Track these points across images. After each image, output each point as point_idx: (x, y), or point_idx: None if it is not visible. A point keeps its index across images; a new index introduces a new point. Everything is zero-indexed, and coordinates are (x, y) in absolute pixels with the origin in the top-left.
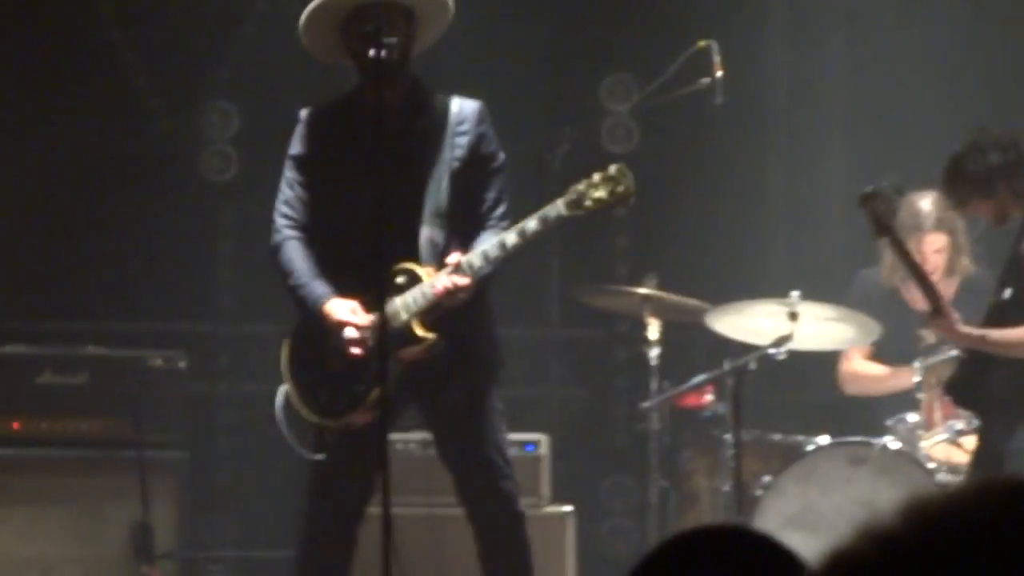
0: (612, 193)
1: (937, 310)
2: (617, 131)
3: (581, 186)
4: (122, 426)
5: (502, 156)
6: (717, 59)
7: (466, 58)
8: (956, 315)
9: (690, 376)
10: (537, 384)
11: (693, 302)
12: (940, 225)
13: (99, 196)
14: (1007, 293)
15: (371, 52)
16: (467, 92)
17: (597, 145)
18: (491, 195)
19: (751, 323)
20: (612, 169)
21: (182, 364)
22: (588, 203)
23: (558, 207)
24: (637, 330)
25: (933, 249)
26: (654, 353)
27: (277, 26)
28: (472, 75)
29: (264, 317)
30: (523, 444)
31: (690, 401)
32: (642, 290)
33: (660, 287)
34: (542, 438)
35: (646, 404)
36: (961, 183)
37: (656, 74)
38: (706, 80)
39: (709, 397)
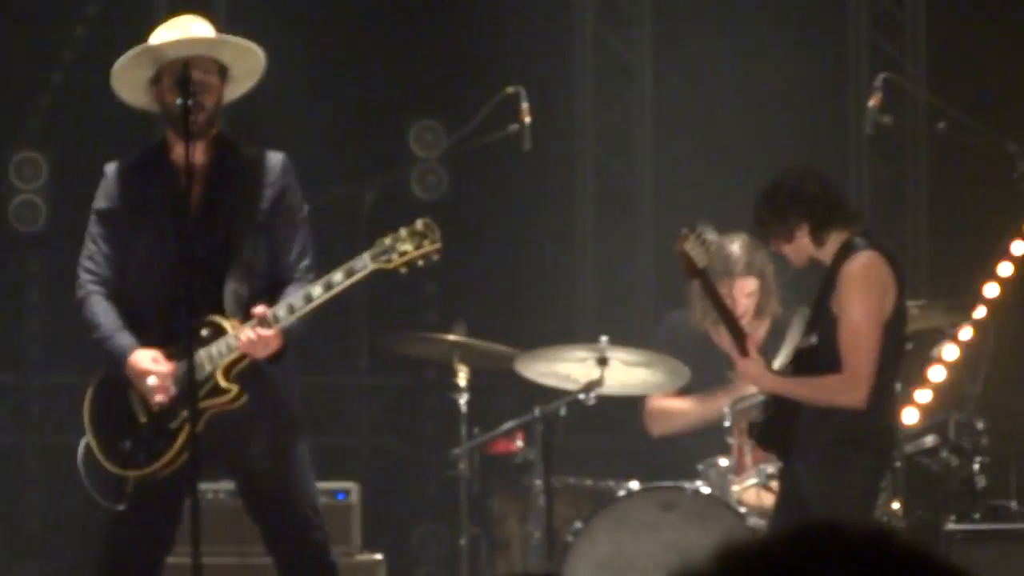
0: (419, 247)
1: (744, 353)
2: (427, 178)
3: (388, 240)
4: None
5: (306, 208)
6: (525, 105)
7: (275, 104)
8: (761, 360)
9: (500, 422)
10: (347, 432)
11: (502, 348)
12: (750, 269)
13: None
14: (813, 339)
15: (179, 101)
16: (276, 139)
17: (407, 192)
18: (296, 248)
19: (560, 369)
20: (419, 224)
21: None
22: (395, 256)
23: (364, 260)
24: (446, 377)
25: (744, 293)
26: (463, 399)
27: (86, 75)
28: (280, 122)
29: (73, 368)
30: (333, 493)
31: (500, 447)
32: (451, 336)
33: (469, 333)
34: (352, 486)
35: (456, 451)
36: (767, 220)
37: (465, 120)
38: (514, 126)
39: (519, 443)
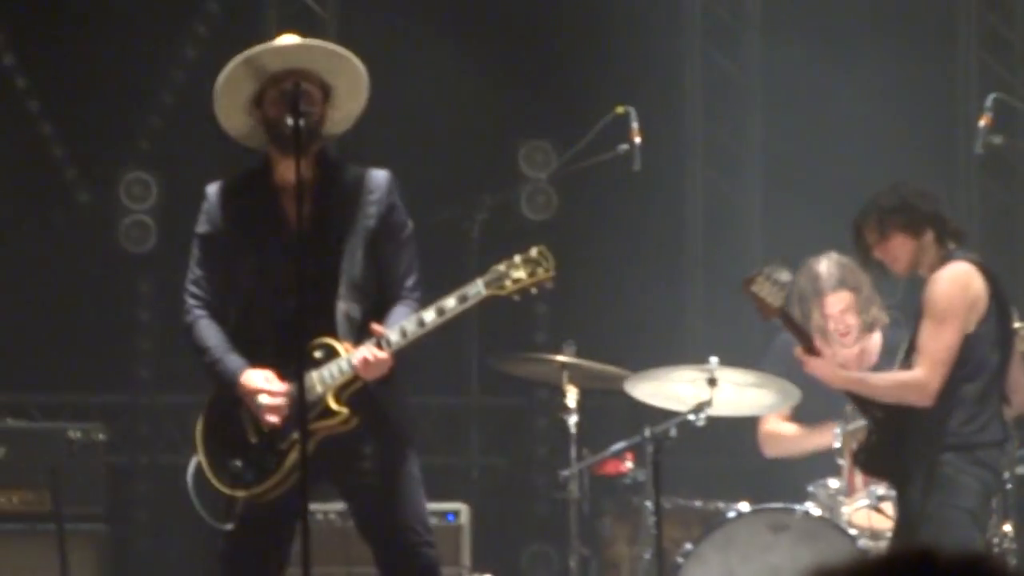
0: (532, 275)
1: (813, 352)
2: (536, 198)
3: (502, 266)
4: (41, 499)
5: (411, 225)
6: (635, 125)
7: (385, 123)
8: (832, 359)
9: (609, 443)
10: (457, 453)
11: (612, 369)
12: (841, 284)
13: (17, 267)
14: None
15: (288, 117)
16: (385, 158)
17: (516, 212)
18: (402, 265)
19: (670, 389)
20: (534, 251)
21: (101, 436)
22: (508, 283)
23: (478, 286)
24: (556, 397)
25: (838, 309)
26: (573, 420)
27: (196, 96)
28: (390, 141)
29: (182, 388)
30: (444, 514)
31: (610, 468)
32: (561, 357)
33: (579, 354)
34: (462, 507)
35: (566, 472)
36: (884, 216)
37: (574, 140)
38: (624, 146)
39: (629, 464)
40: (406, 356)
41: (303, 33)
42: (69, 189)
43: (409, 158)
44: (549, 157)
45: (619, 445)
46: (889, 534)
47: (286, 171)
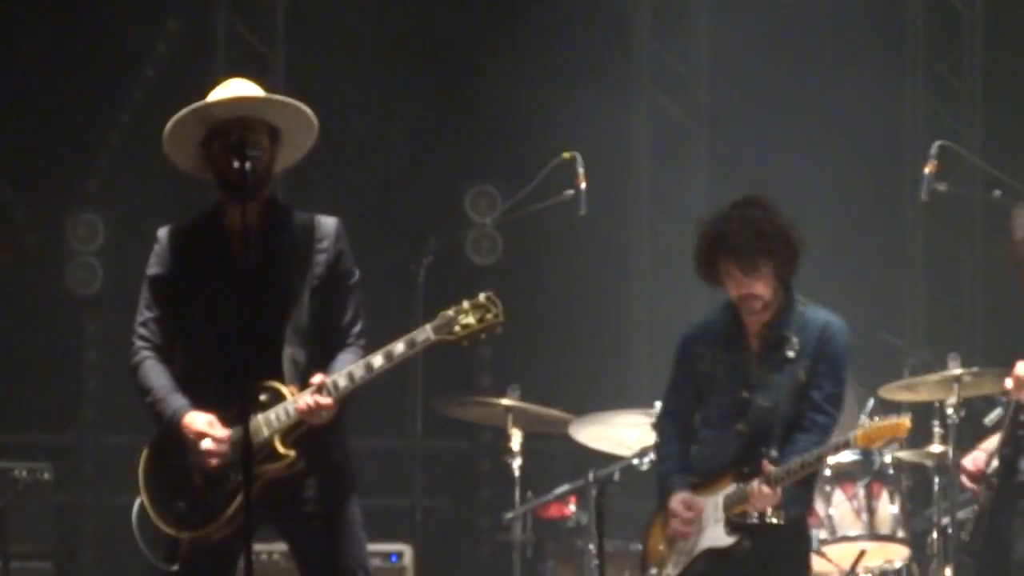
0: (481, 320)
1: None
2: (482, 243)
3: (451, 312)
4: None
5: (358, 273)
6: (581, 171)
7: (330, 166)
8: None
9: (553, 486)
10: (401, 494)
11: (556, 412)
12: None
13: None
14: None
15: (235, 163)
16: (330, 201)
17: (462, 256)
18: (348, 313)
19: (614, 434)
20: (482, 297)
21: (47, 475)
22: (457, 329)
23: (426, 332)
24: (500, 441)
25: None
26: (517, 463)
27: (144, 137)
28: (335, 185)
29: (129, 428)
30: (387, 555)
31: (553, 512)
32: (505, 401)
33: (523, 398)
34: (406, 549)
35: (509, 514)
36: None
37: (520, 185)
38: (570, 191)
39: (572, 507)
40: (348, 400)
41: (251, 76)
42: (16, 230)
43: (356, 200)
44: (495, 201)
45: (563, 488)
46: None
47: (236, 216)
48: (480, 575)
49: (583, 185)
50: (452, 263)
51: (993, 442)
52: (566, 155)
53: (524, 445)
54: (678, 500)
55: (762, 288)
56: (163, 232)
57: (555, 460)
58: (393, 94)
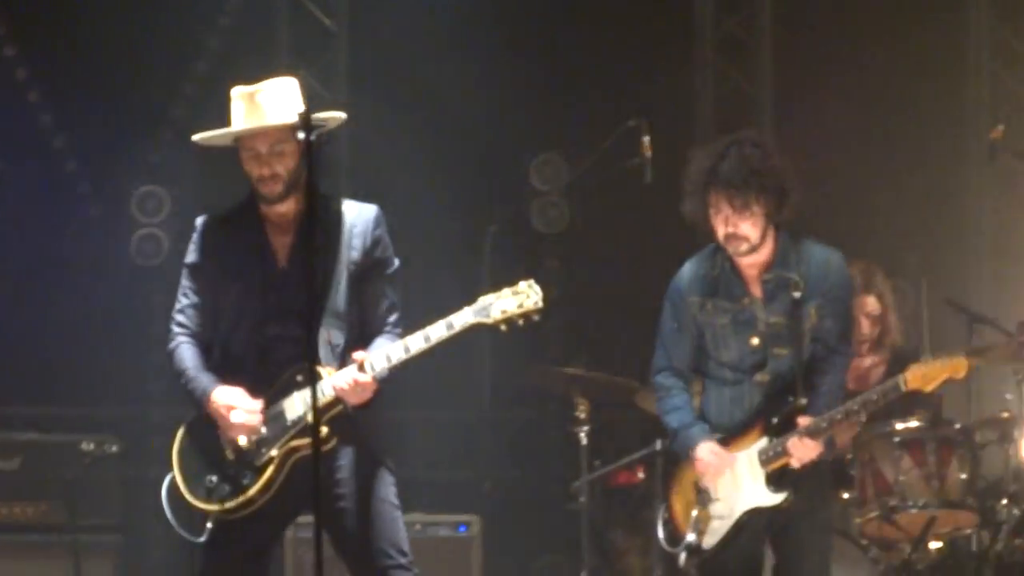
0: (520, 306)
1: None
2: (548, 211)
3: (490, 297)
4: (56, 510)
5: (396, 262)
6: (646, 138)
7: (396, 138)
8: None
9: (621, 455)
10: (468, 465)
11: (623, 381)
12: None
13: (29, 281)
14: None
15: (260, 190)
16: (397, 173)
17: (527, 225)
18: (385, 301)
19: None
20: (522, 284)
21: (114, 448)
22: (496, 314)
23: (465, 315)
24: (568, 410)
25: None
26: (584, 432)
27: (207, 110)
28: (402, 156)
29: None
30: (455, 525)
31: (621, 480)
32: (572, 370)
33: (590, 367)
34: (474, 519)
35: (577, 483)
36: None
37: (586, 153)
38: (636, 159)
39: (640, 476)
40: (385, 382)
41: (314, 49)
42: (82, 203)
43: (422, 171)
44: (561, 170)
45: (630, 457)
46: (900, 545)
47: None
48: (548, 545)
49: (648, 153)
50: (518, 232)
51: None
52: (631, 123)
53: (591, 414)
54: (707, 450)
55: (749, 228)
56: (200, 221)
57: (623, 429)
58: (457, 65)
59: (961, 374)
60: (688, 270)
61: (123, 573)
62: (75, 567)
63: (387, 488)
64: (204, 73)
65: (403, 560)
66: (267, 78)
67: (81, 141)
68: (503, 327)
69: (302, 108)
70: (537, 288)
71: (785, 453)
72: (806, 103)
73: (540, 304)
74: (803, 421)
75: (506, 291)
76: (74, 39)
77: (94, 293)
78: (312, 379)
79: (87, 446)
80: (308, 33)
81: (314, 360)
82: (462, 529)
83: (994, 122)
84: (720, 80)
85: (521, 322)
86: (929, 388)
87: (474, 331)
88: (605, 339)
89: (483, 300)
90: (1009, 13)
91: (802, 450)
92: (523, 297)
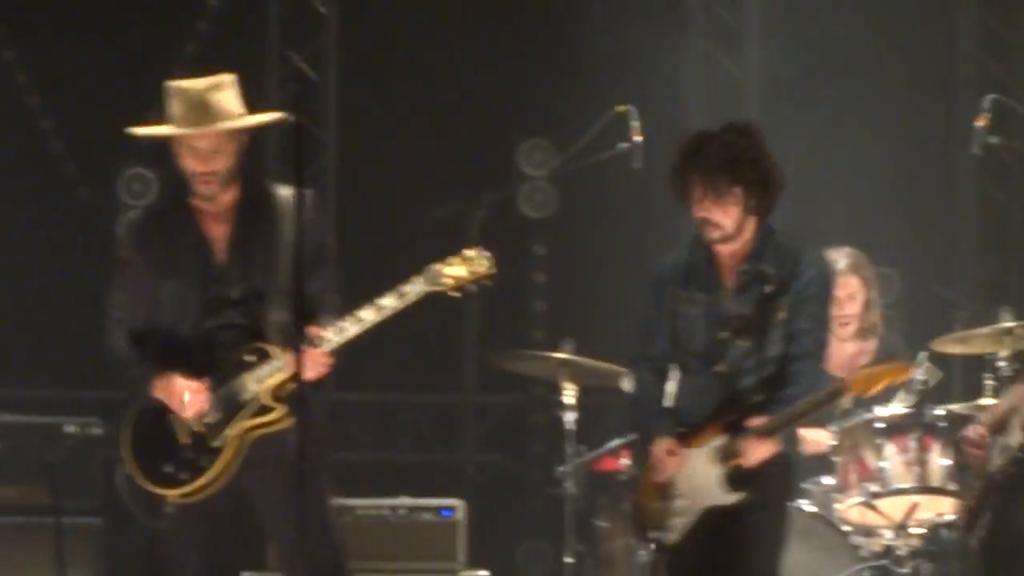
0: (472, 272)
1: None
2: (535, 196)
3: (438, 265)
4: (38, 493)
5: (329, 242)
6: (635, 124)
7: (384, 121)
8: None
9: (606, 440)
10: (453, 449)
11: (609, 366)
12: (852, 270)
13: (14, 262)
14: None
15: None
16: (385, 156)
17: (515, 210)
18: (318, 284)
19: (667, 387)
20: (469, 251)
21: (97, 431)
22: (446, 279)
23: (417, 283)
24: (553, 395)
25: (845, 293)
26: (570, 417)
27: None
28: (390, 140)
29: None
30: (439, 509)
31: (606, 465)
32: (558, 355)
33: (576, 351)
34: (458, 503)
35: (562, 468)
36: None
37: (574, 138)
38: (624, 145)
39: (625, 461)
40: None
41: (305, 33)
42: (69, 185)
43: (409, 154)
44: (549, 155)
45: (615, 442)
46: (881, 531)
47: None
48: (532, 529)
49: (637, 138)
50: (505, 217)
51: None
52: (620, 108)
53: (577, 399)
54: (661, 448)
55: (721, 216)
56: (133, 214)
57: (608, 414)
58: (445, 50)
59: (902, 378)
60: (669, 258)
61: (105, 556)
62: (57, 550)
63: (325, 465)
64: (193, 56)
65: (330, 540)
66: (258, 62)
67: (68, 122)
68: (455, 293)
69: (242, 107)
70: (486, 253)
71: (739, 453)
72: (793, 90)
73: (492, 269)
74: (754, 422)
75: (454, 259)
76: (61, 22)
77: (79, 274)
78: (297, 357)
79: (70, 428)
80: (298, 17)
81: (266, 340)
82: (446, 513)
83: (980, 110)
84: (709, 65)
85: (474, 287)
86: (872, 392)
87: (427, 298)
88: (592, 324)
89: (431, 268)
90: (996, 1)
91: (754, 452)
92: (473, 263)
